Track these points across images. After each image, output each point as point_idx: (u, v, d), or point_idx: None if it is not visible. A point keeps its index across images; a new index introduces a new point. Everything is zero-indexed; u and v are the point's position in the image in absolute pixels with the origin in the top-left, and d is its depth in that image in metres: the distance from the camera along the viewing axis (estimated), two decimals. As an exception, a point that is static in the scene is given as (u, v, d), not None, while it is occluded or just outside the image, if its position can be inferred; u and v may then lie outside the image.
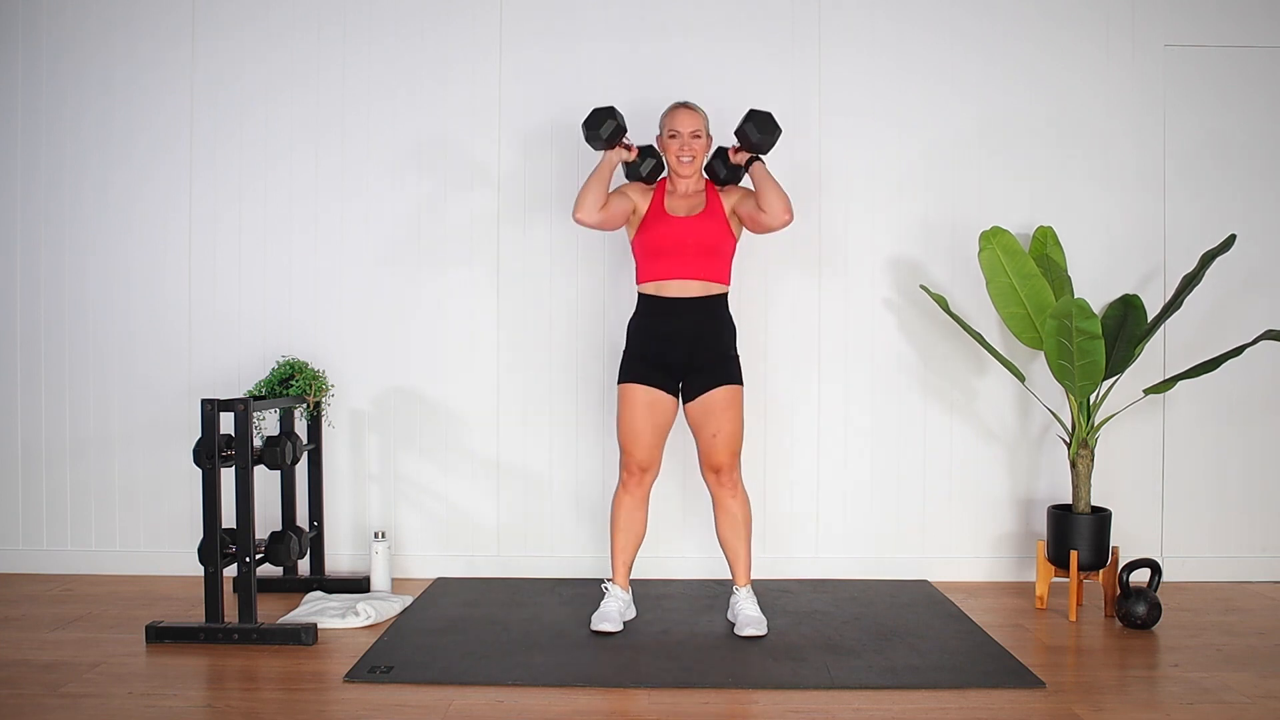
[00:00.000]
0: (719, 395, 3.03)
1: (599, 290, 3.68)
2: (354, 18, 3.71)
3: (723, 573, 3.45)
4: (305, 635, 2.91)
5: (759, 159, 3.11)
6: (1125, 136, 3.69)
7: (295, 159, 3.72)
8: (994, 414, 3.72)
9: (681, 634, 3.01)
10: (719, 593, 3.43)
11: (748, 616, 3.00)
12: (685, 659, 2.78)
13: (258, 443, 3.21)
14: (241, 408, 2.98)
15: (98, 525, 3.75)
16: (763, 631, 2.98)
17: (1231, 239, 3.28)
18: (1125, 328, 3.25)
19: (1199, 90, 3.70)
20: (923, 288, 3.57)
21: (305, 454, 3.50)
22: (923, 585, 3.59)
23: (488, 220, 3.71)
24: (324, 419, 3.58)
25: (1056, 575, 3.34)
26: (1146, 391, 3.34)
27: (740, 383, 3.09)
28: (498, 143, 3.70)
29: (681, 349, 3.04)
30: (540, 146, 3.70)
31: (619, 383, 3.10)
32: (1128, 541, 3.64)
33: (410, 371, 3.71)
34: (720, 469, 3.06)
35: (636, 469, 3.07)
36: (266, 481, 3.54)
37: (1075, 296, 3.20)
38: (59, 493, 3.75)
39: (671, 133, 3.10)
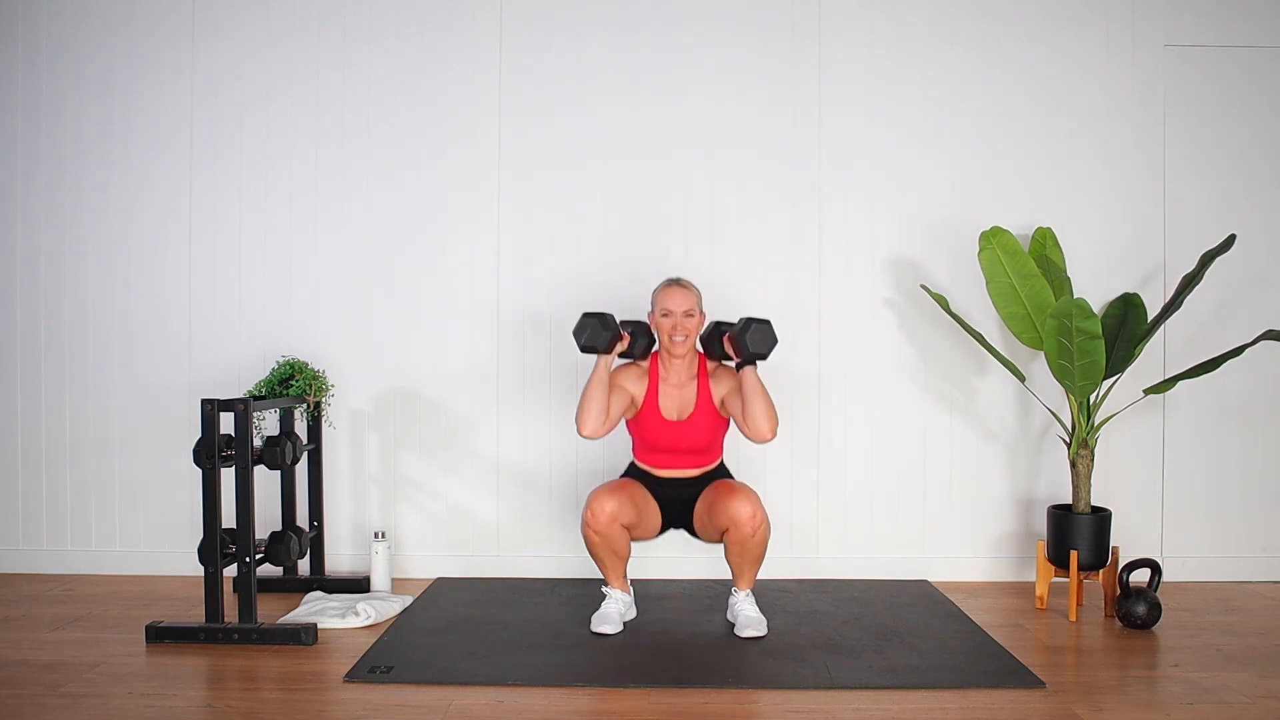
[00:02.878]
0: (714, 483, 3.08)
1: (599, 289, 3.68)
2: (354, 18, 3.71)
3: (723, 573, 3.45)
4: (305, 635, 2.91)
5: (753, 364, 3.04)
6: (1125, 136, 3.69)
7: (295, 159, 3.72)
8: (994, 414, 3.72)
9: (681, 634, 3.01)
10: (719, 593, 3.43)
11: (748, 617, 3.00)
12: (685, 659, 2.78)
13: (258, 443, 3.21)
14: (241, 408, 2.98)
15: (98, 525, 3.75)
16: (763, 632, 2.98)
17: (1231, 239, 3.28)
18: (1125, 328, 3.25)
19: (1199, 90, 3.70)
20: (923, 287, 3.57)
21: (305, 454, 3.50)
22: (923, 585, 3.59)
23: (488, 220, 3.71)
24: (324, 419, 3.58)
25: (1056, 575, 3.34)
26: (1146, 391, 3.34)
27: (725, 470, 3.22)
28: (498, 142, 3.70)
29: (679, 501, 3.13)
30: (541, 146, 3.70)
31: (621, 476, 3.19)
32: (1128, 541, 3.64)
33: (410, 371, 3.71)
34: (747, 511, 2.92)
35: (600, 511, 2.95)
36: (266, 481, 3.54)
37: (1075, 296, 3.20)
38: (59, 493, 3.75)
39: (664, 312, 3.08)
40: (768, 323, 3.03)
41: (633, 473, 3.20)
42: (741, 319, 3.05)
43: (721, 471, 3.20)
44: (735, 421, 3.07)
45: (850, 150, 3.70)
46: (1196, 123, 3.70)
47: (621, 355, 3.15)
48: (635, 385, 3.13)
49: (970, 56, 3.70)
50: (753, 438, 3.01)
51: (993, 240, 3.35)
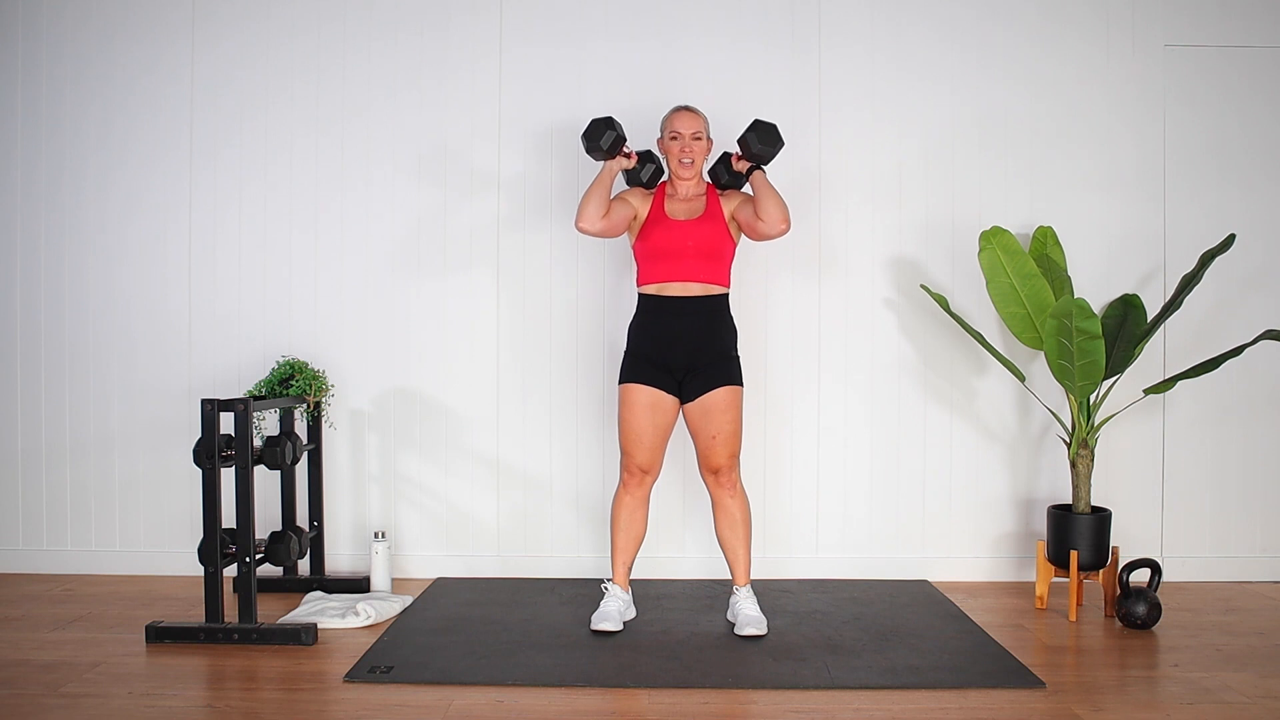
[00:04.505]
0: (718, 396, 3.03)
1: (599, 290, 3.68)
2: (354, 17, 3.71)
3: (723, 573, 3.45)
4: (305, 635, 2.91)
5: (760, 168, 3.11)
6: (1125, 136, 3.69)
7: (295, 158, 3.72)
8: (994, 414, 3.72)
9: (681, 634, 3.01)
10: (719, 593, 3.43)
11: (748, 616, 3.00)
12: (685, 659, 2.78)
13: (258, 443, 3.21)
14: (241, 408, 2.98)
15: (98, 525, 3.75)
16: (763, 631, 2.98)
17: (1231, 239, 3.28)
18: (1125, 328, 3.25)
19: (1199, 90, 3.70)
20: (923, 287, 3.57)
21: (305, 454, 3.50)
22: (923, 585, 3.59)
23: (488, 219, 3.71)
24: (324, 419, 3.58)
25: (1056, 575, 3.34)
26: (1146, 391, 3.34)
27: (740, 384, 3.09)
28: (498, 142, 3.70)
29: (682, 349, 3.04)
30: (541, 146, 3.70)
31: (620, 383, 3.10)
32: (1128, 541, 3.64)
33: (410, 371, 3.71)
34: (719, 470, 3.06)
35: (637, 470, 3.07)
36: (266, 481, 3.54)
37: (1075, 296, 3.20)
38: (59, 493, 3.75)
39: (672, 134, 3.11)
40: (773, 124, 3.10)
41: (635, 332, 3.10)
42: (750, 122, 3.11)
43: (728, 323, 3.09)
44: (748, 228, 3.08)
45: (850, 150, 3.69)
46: (1196, 123, 3.70)
47: (629, 181, 3.19)
48: (640, 202, 3.15)
49: (970, 56, 3.70)
50: (767, 230, 3.02)
51: (993, 240, 3.35)
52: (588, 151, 3.12)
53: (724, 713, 2.44)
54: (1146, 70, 3.69)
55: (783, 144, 3.12)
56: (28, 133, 3.74)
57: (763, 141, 3.07)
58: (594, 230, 3.03)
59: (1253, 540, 3.71)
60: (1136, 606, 3.09)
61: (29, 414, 3.75)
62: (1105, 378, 3.24)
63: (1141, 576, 3.42)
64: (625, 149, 3.12)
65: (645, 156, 3.18)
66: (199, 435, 3.09)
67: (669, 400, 3.06)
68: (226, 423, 3.03)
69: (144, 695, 2.52)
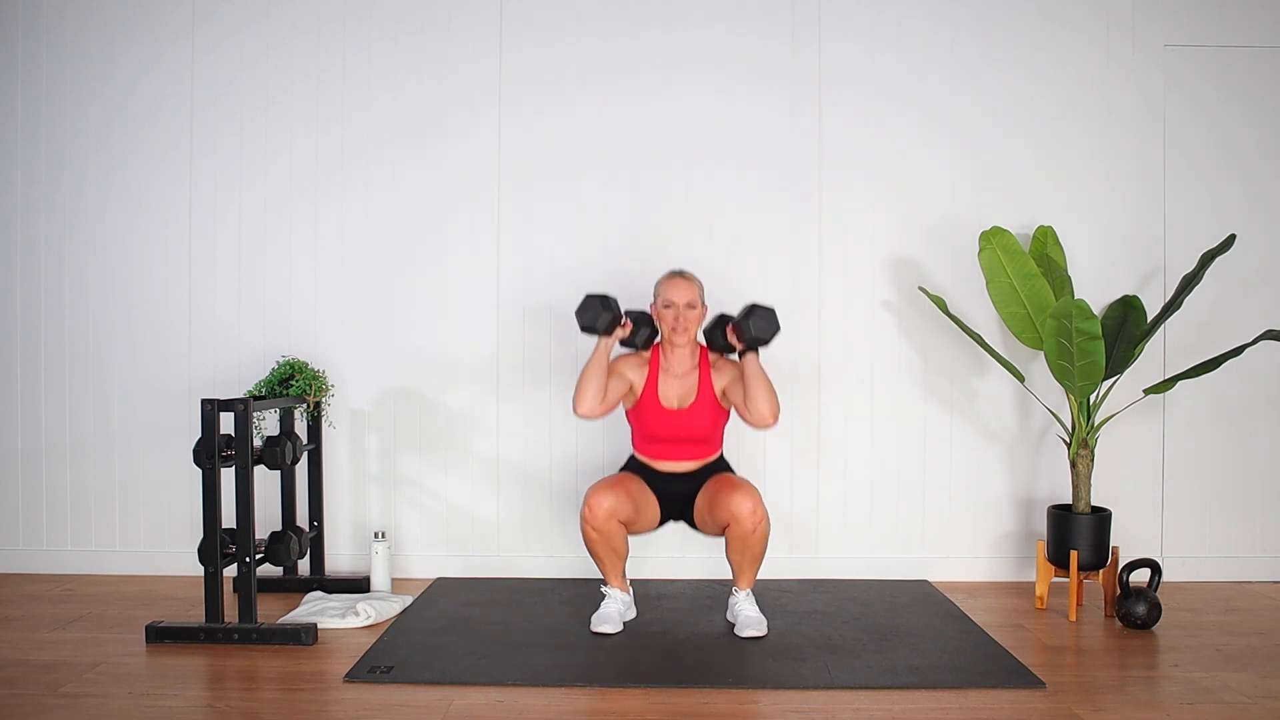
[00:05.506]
0: (714, 477, 3.08)
1: (600, 287, 3.68)
2: (354, 17, 3.71)
3: (722, 573, 3.45)
4: (305, 635, 2.91)
5: (754, 350, 3.06)
6: (1125, 136, 3.69)
7: (295, 158, 3.72)
8: (994, 414, 3.72)
9: (681, 634, 3.01)
10: (719, 593, 3.43)
11: (748, 617, 3.00)
12: (685, 659, 2.78)
13: (258, 443, 3.21)
14: (241, 408, 2.98)
15: (98, 525, 3.75)
16: (763, 632, 2.98)
17: (1231, 239, 3.28)
18: (1125, 328, 3.25)
19: (1199, 90, 3.70)
20: (921, 289, 3.57)
21: (305, 454, 3.50)
22: (923, 585, 3.59)
23: (488, 219, 3.71)
24: (324, 419, 3.58)
25: (1056, 575, 3.34)
26: (1146, 391, 3.34)
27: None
28: (498, 141, 3.70)
29: (678, 495, 3.12)
30: (541, 145, 3.70)
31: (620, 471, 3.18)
32: (1128, 541, 3.64)
33: (410, 371, 3.71)
34: (748, 507, 2.91)
35: (598, 506, 2.94)
36: (266, 481, 3.54)
37: (1075, 296, 3.20)
38: (59, 493, 3.75)
39: (666, 303, 3.09)
40: (771, 310, 3.05)
41: (632, 466, 3.19)
42: (745, 305, 3.07)
43: (721, 465, 3.20)
44: (737, 409, 3.08)
45: (850, 150, 3.69)
46: (1196, 123, 3.70)
47: (624, 344, 3.16)
48: (635, 373, 3.13)
49: (970, 56, 3.70)
50: (755, 423, 3.02)
51: (993, 240, 3.35)
52: (583, 330, 3.07)
53: (724, 713, 2.44)
54: (1146, 70, 3.69)
55: (779, 330, 3.05)
56: (28, 133, 3.74)
57: (758, 329, 3.02)
58: (594, 416, 3.04)
59: (1253, 540, 3.71)
60: (1136, 606, 3.09)
61: (29, 414, 3.75)
62: (1105, 378, 3.23)
63: (1141, 576, 3.42)
64: (621, 322, 3.10)
65: (639, 321, 3.15)
66: (199, 435, 3.09)
67: (654, 501, 3.09)
68: (226, 423, 3.03)
69: (144, 695, 2.52)
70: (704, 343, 3.19)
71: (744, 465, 3.56)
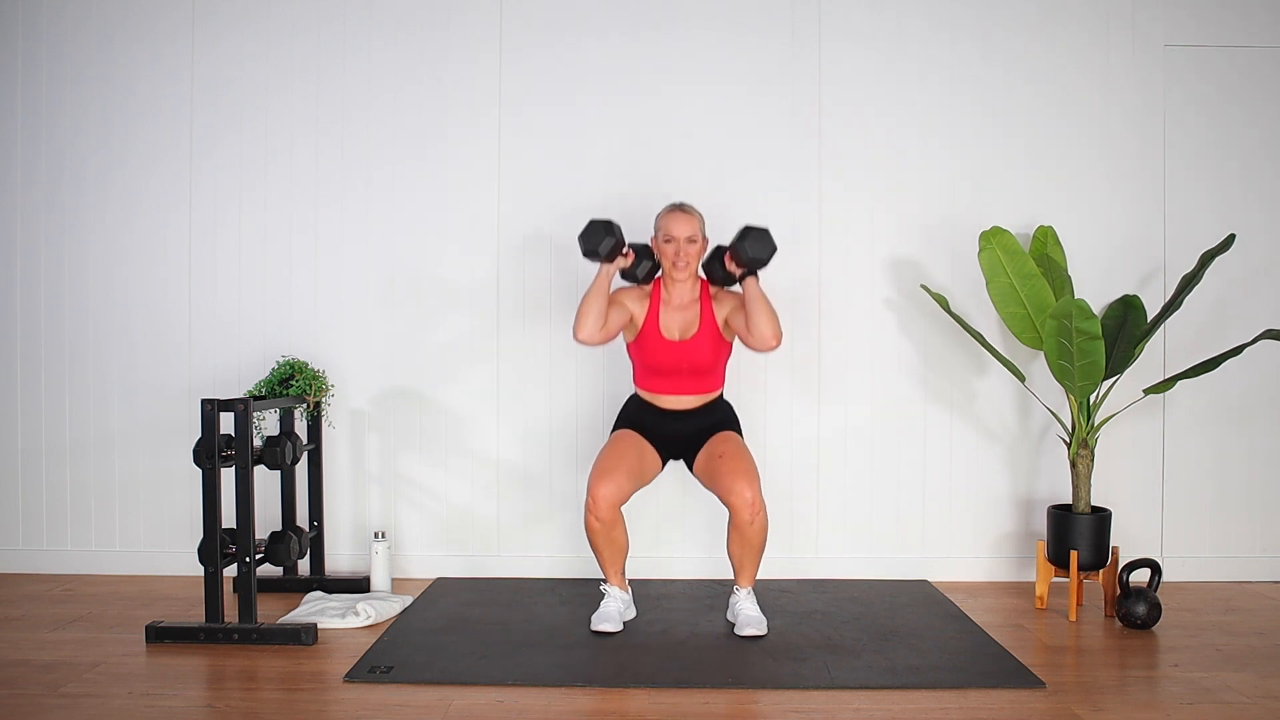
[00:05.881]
0: (720, 435, 3.08)
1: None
2: (354, 17, 3.71)
3: (723, 573, 3.45)
4: (305, 635, 2.91)
5: (754, 274, 3.07)
6: (1125, 136, 3.69)
7: (295, 158, 3.72)
8: (994, 414, 3.72)
9: (681, 634, 3.01)
10: (719, 593, 3.43)
11: (748, 616, 3.00)
12: (685, 659, 2.78)
13: (258, 443, 3.21)
14: (241, 408, 2.98)
15: (98, 525, 3.75)
16: (763, 631, 2.98)
17: (1231, 239, 3.28)
18: (1125, 328, 3.25)
19: (1199, 90, 3.70)
20: (923, 287, 3.57)
21: (305, 454, 3.50)
22: (923, 585, 3.59)
23: (488, 218, 3.71)
24: (324, 419, 3.58)
25: (1056, 575, 3.34)
26: (1146, 391, 3.34)
27: (739, 433, 3.16)
28: (498, 141, 3.70)
29: (678, 437, 3.12)
30: (541, 145, 3.70)
31: (612, 431, 3.16)
32: (1128, 541, 3.64)
33: (410, 371, 3.71)
34: (742, 493, 2.91)
35: (602, 498, 2.93)
36: (266, 481, 3.54)
37: (1075, 296, 3.20)
38: (59, 493, 3.75)
39: (667, 237, 3.09)
40: (765, 230, 3.05)
41: (632, 406, 3.18)
42: (740, 228, 3.07)
43: (723, 405, 3.18)
44: (740, 335, 3.09)
45: (850, 151, 3.69)
46: (1196, 123, 3.70)
47: (625, 276, 3.18)
48: (636, 304, 3.13)
49: (970, 56, 3.70)
50: (757, 345, 3.03)
51: (993, 240, 3.35)
52: (585, 255, 3.08)
53: (724, 713, 2.44)
54: (1146, 70, 3.69)
55: (775, 250, 3.04)
56: (28, 133, 3.74)
57: (754, 250, 3.01)
58: (594, 342, 3.05)
59: (1253, 540, 3.71)
60: (1136, 606, 3.09)
61: (29, 414, 3.75)
62: (1105, 378, 3.24)
63: (1141, 576, 3.42)
64: (623, 250, 3.10)
65: (641, 253, 3.16)
66: (199, 435, 3.09)
67: (653, 454, 3.10)
68: (226, 423, 3.03)
69: (144, 695, 2.52)
70: (704, 275, 3.20)
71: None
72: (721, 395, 3.22)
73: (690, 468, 3.17)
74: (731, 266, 3.09)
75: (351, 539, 3.72)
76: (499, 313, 3.71)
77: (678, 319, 3.13)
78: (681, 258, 3.07)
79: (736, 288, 3.17)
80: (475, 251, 3.71)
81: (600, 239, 3.04)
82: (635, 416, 3.18)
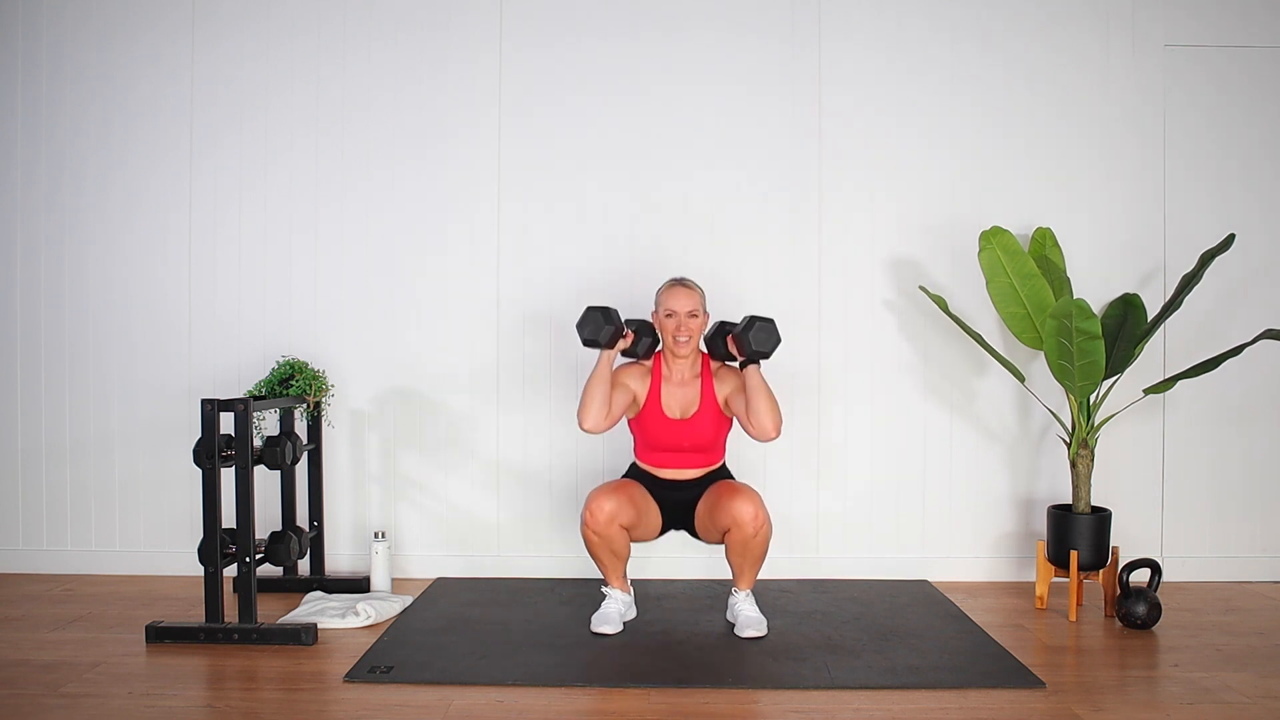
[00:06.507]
0: (716, 483, 3.06)
1: (600, 288, 3.68)
2: (354, 17, 3.71)
3: (722, 573, 3.45)
4: (305, 635, 2.91)
5: (755, 363, 3.05)
6: (1125, 136, 3.69)
7: (295, 158, 3.72)
8: (994, 414, 3.72)
9: (681, 634, 3.01)
10: (719, 593, 3.43)
11: (748, 617, 3.00)
12: (685, 659, 2.78)
13: (258, 443, 3.21)
14: (241, 408, 2.98)
15: (98, 525, 3.75)
16: (763, 632, 2.98)
17: (1231, 239, 3.28)
18: (1125, 328, 3.25)
19: (1199, 90, 3.70)
20: (922, 289, 3.57)
21: (305, 454, 3.50)
22: (923, 585, 3.59)
23: (488, 219, 3.71)
24: (324, 419, 3.58)
25: (1056, 575, 3.34)
26: (1146, 391, 3.34)
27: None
28: (498, 141, 3.70)
29: (680, 504, 3.12)
30: (540, 146, 3.70)
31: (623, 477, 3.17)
32: (1128, 541, 3.64)
33: (410, 371, 3.71)
34: (749, 511, 2.90)
35: (599, 510, 2.93)
36: (266, 481, 3.54)
37: (1075, 296, 3.20)
38: (59, 493, 3.75)
39: (668, 312, 3.09)
40: (771, 321, 3.03)
41: (634, 474, 3.19)
42: (745, 317, 3.06)
43: (723, 473, 3.19)
44: (739, 420, 3.08)
45: (850, 151, 3.69)
46: (1196, 123, 3.70)
47: (625, 354, 3.15)
48: (638, 384, 3.12)
49: (970, 56, 3.70)
50: (757, 436, 3.01)
51: (993, 240, 3.35)
52: (585, 344, 3.06)
53: (724, 713, 2.44)
54: (1146, 70, 3.69)
55: (780, 342, 3.03)
56: (28, 133, 3.74)
57: (757, 344, 3.00)
58: (599, 430, 3.03)
59: (1253, 540, 3.71)
60: (1136, 606, 3.09)
61: (29, 414, 3.75)
62: (1105, 378, 3.24)
63: (1141, 576, 3.42)
64: (623, 333, 3.09)
65: (641, 330, 3.15)
66: (199, 435, 3.09)
67: (655, 509, 3.09)
68: (226, 423, 3.03)
69: (144, 695, 2.52)
70: (705, 350, 3.19)
71: (744, 464, 3.56)
72: (723, 465, 3.20)
73: (693, 531, 3.14)
74: (733, 350, 3.07)
75: (351, 539, 3.72)
76: (499, 315, 3.71)
77: (679, 396, 3.12)
78: (683, 332, 3.06)
79: (736, 364, 3.14)
80: (475, 251, 3.70)
81: (600, 326, 3.03)
82: (638, 479, 3.16)
